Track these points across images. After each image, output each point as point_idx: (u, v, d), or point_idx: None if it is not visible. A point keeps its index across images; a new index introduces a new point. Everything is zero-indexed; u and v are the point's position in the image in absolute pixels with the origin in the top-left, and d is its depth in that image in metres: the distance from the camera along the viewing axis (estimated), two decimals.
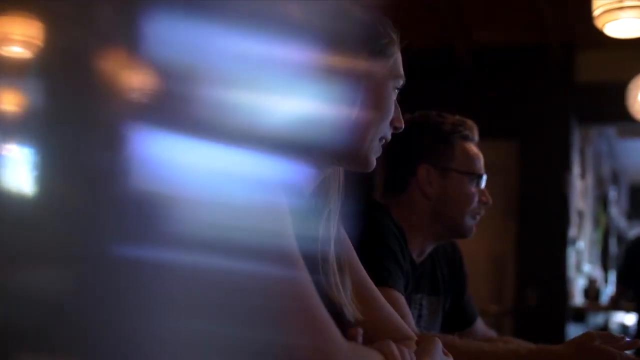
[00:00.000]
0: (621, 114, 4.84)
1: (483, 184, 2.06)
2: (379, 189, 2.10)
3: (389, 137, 1.32)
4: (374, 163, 1.31)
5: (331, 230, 1.31)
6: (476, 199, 2.04)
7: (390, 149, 1.99)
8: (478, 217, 2.07)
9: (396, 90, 1.32)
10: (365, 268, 1.40)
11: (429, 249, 2.06)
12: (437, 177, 2.02)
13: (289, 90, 1.17)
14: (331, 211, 1.31)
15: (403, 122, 1.34)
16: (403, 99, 1.36)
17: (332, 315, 1.26)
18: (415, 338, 1.35)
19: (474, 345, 1.71)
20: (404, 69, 1.34)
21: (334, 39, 1.22)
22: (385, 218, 1.95)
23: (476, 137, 2.09)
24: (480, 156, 2.07)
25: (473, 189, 2.03)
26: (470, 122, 2.09)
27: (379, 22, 1.31)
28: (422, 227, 2.01)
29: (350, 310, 1.29)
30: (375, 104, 1.27)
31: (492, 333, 2.23)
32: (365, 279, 1.38)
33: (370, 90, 1.26)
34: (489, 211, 2.13)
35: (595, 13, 3.07)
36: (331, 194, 1.32)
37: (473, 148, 2.07)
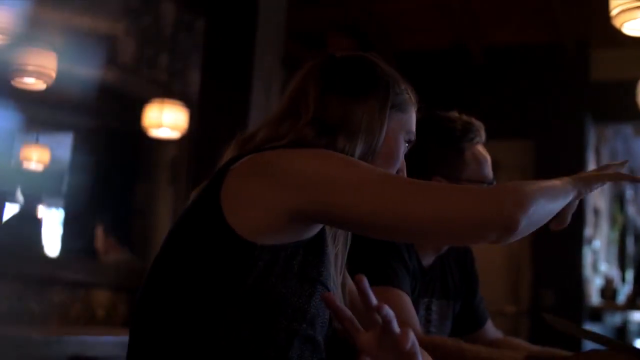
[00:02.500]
0: (637, 112, 4.82)
1: None
2: None
3: None
4: None
5: (338, 267, 1.37)
6: None
7: None
8: None
9: (406, 145, 1.43)
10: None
11: (437, 254, 2.04)
12: None
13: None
14: (338, 254, 1.37)
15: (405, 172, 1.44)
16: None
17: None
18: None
19: (481, 350, 1.70)
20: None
21: (366, 90, 1.37)
22: None
23: (484, 137, 2.05)
24: (489, 159, 2.05)
25: None
26: (477, 123, 2.06)
27: (401, 79, 1.43)
28: None
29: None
30: (389, 154, 1.38)
31: (499, 334, 2.20)
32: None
33: (388, 141, 1.37)
34: None
35: (613, 13, 3.06)
36: (338, 237, 1.38)
37: (482, 152, 2.04)
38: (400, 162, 1.42)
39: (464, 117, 2.04)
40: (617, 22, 3.11)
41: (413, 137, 1.45)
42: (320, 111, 1.34)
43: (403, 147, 1.42)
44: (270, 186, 1.18)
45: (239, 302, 1.16)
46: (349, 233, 1.40)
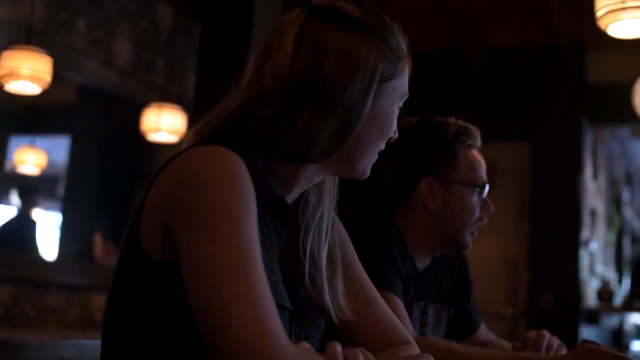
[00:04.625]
0: (634, 115, 4.83)
1: (486, 193, 2.01)
2: (380, 197, 2.07)
3: (384, 147, 1.31)
4: (369, 172, 1.30)
5: (323, 232, 1.30)
6: (478, 209, 1.98)
7: (392, 160, 1.98)
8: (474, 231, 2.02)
9: (399, 107, 1.30)
10: None
11: (431, 257, 2.03)
12: (439, 189, 1.97)
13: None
14: (324, 212, 1.31)
15: (397, 133, 1.31)
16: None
17: (314, 318, 1.27)
18: (414, 342, 1.35)
19: (473, 351, 1.70)
20: (414, 73, 1.33)
21: (359, 57, 1.20)
22: (384, 224, 1.93)
23: (479, 142, 2.03)
24: (483, 163, 2.01)
25: (476, 200, 1.98)
26: (473, 128, 2.02)
27: (397, 39, 1.27)
28: (423, 237, 1.97)
29: (337, 312, 1.29)
30: (382, 123, 1.26)
31: (492, 337, 2.20)
32: (364, 280, 1.38)
33: (379, 115, 1.24)
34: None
35: (599, 14, 3.06)
36: (325, 196, 1.32)
37: (476, 156, 2.00)
38: (394, 128, 1.29)
39: (460, 122, 2.02)
40: (602, 24, 3.11)
41: (407, 95, 1.30)
42: (287, 79, 1.18)
43: (397, 113, 1.29)
44: (166, 206, 1.10)
45: (180, 325, 1.10)
46: (336, 190, 1.34)
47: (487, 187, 2.00)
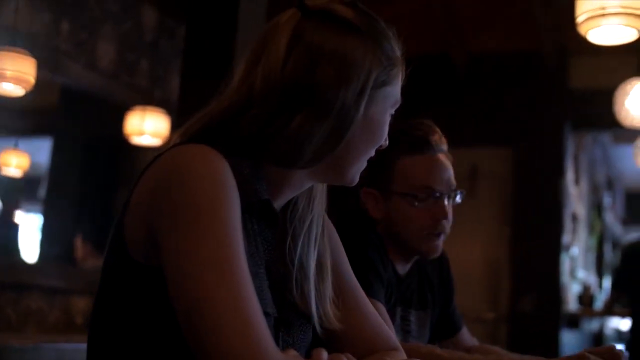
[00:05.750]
0: (616, 120, 4.86)
1: (444, 199, 1.90)
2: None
3: (373, 154, 1.28)
4: (357, 179, 1.29)
5: (312, 239, 1.29)
6: (427, 218, 1.88)
7: None
8: (443, 236, 1.92)
9: (391, 115, 1.28)
10: None
11: (408, 263, 1.99)
12: (382, 200, 1.91)
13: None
14: (313, 220, 1.30)
15: (387, 141, 1.29)
16: (400, 107, 1.33)
17: (300, 325, 1.27)
18: (401, 348, 1.35)
19: (455, 355, 1.69)
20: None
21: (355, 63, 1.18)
22: (365, 228, 1.91)
23: (434, 144, 1.91)
24: (435, 169, 1.89)
25: (420, 209, 1.88)
26: (423, 129, 1.92)
27: (392, 44, 1.25)
28: (391, 244, 1.92)
29: (324, 320, 1.27)
30: (373, 130, 1.24)
31: (474, 341, 2.19)
32: (354, 285, 1.37)
33: (370, 123, 1.22)
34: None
35: (579, 20, 3.08)
36: (315, 203, 1.31)
37: (420, 162, 1.89)
38: (385, 135, 1.26)
39: (410, 126, 1.91)
40: (582, 30, 3.13)
41: (399, 103, 1.27)
42: (278, 80, 1.16)
43: (389, 120, 1.26)
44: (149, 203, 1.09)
45: (164, 326, 1.08)
46: (324, 196, 1.32)
47: (437, 194, 1.89)
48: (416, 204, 1.88)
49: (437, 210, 1.89)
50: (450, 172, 1.93)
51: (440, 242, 1.94)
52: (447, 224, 1.92)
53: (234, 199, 1.07)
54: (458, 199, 1.95)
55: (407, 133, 1.89)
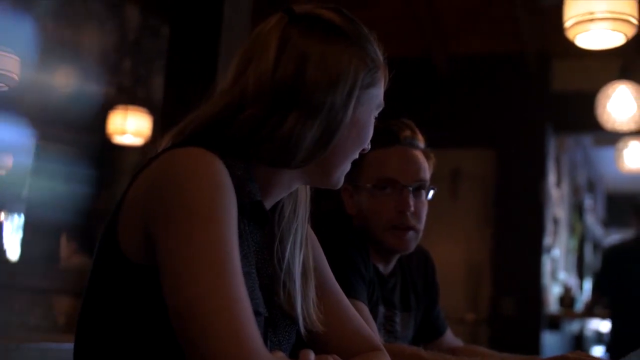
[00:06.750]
0: (597, 123, 4.90)
1: (408, 192, 1.90)
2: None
3: (357, 156, 1.31)
4: (342, 182, 1.31)
5: (298, 244, 1.31)
6: (391, 210, 1.90)
7: None
8: (413, 232, 1.92)
9: (375, 117, 1.31)
10: None
11: (387, 261, 2.00)
12: (354, 194, 1.94)
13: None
14: (298, 225, 1.32)
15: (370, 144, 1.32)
16: (382, 109, 1.34)
17: (287, 327, 1.28)
18: (384, 349, 1.36)
19: (440, 357, 1.70)
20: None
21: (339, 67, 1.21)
22: (346, 228, 1.93)
23: (402, 138, 1.93)
24: (401, 162, 1.92)
25: (384, 201, 1.90)
26: (396, 125, 1.95)
27: (375, 48, 1.28)
28: (369, 242, 1.93)
29: (308, 323, 1.29)
30: (359, 131, 1.27)
31: (459, 342, 2.20)
32: (335, 288, 1.39)
33: (357, 120, 1.25)
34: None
35: (567, 24, 3.11)
36: (299, 208, 1.33)
37: (386, 154, 1.91)
38: (369, 137, 1.30)
39: (381, 124, 1.95)
40: (570, 35, 3.16)
41: (382, 106, 1.32)
42: (269, 82, 1.19)
43: (373, 123, 1.30)
44: (145, 203, 1.10)
45: (157, 326, 1.10)
46: (308, 201, 1.35)
47: (401, 185, 1.91)
48: (380, 195, 1.90)
49: (400, 202, 1.90)
50: (420, 166, 1.95)
51: (410, 237, 1.93)
52: (414, 219, 1.92)
53: (231, 200, 1.09)
54: (430, 195, 1.97)
55: (380, 128, 1.91)
